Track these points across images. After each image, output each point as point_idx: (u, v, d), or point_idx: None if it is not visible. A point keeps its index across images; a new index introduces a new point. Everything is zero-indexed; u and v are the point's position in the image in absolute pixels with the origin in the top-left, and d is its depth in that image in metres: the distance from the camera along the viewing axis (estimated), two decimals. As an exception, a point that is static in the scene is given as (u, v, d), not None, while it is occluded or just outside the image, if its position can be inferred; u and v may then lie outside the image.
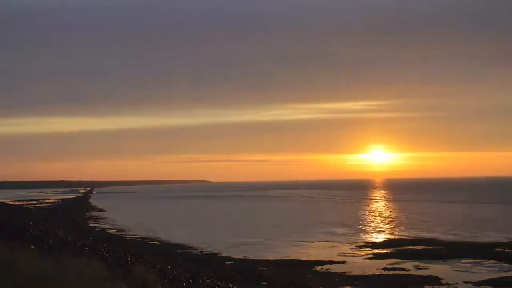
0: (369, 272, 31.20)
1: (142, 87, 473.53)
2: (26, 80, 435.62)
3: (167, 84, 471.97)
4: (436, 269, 32.02)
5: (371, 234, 53.21)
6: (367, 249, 41.64)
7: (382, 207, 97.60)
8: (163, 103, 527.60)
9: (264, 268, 32.53)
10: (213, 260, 35.99)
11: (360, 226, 60.71)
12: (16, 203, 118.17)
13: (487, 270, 31.52)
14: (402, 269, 32.18)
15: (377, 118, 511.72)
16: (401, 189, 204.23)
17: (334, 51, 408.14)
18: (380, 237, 49.96)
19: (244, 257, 37.69)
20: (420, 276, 29.81)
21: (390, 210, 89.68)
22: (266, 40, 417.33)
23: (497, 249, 39.04)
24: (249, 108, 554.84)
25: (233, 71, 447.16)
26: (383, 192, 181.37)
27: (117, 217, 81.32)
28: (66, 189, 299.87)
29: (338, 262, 34.86)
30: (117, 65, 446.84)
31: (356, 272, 31.34)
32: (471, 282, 27.99)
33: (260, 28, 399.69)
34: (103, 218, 78.70)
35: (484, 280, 28.32)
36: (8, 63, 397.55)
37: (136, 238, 51.62)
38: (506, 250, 38.75)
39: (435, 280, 28.62)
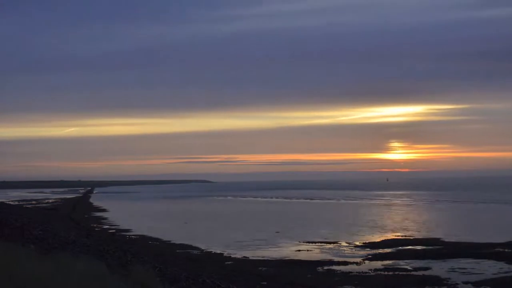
0: (369, 272, 31.20)
1: (145, 90, 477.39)
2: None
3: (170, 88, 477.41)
4: (436, 269, 32.02)
5: (371, 234, 53.18)
6: (367, 249, 41.63)
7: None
8: (166, 106, 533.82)
9: (264, 268, 32.55)
10: (213, 260, 35.99)
11: (365, 227, 60.69)
12: (16, 203, 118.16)
13: (487, 270, 31.51)
14: (402, 269, 32.18)
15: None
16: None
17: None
18: (380, 237, 49.92)
19: (244, 257, 37.70)
20: (420, 276, 29.82)
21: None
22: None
23: (497, 249, 39.06)
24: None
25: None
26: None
27: (117, 217, 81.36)
28: (66, 189, 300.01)
29: (338, 262, 34.85)
30: (122, 69, 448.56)
31: (356, 272, 31.35)
32: (471, 282, 27.98)
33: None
34: (103, 218, 78.70)
35: (484, 280, 28.33)
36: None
37: (136, 238, 51.62)
38: (506, 250, 38.75)
39: (435, 280, 28.62)
